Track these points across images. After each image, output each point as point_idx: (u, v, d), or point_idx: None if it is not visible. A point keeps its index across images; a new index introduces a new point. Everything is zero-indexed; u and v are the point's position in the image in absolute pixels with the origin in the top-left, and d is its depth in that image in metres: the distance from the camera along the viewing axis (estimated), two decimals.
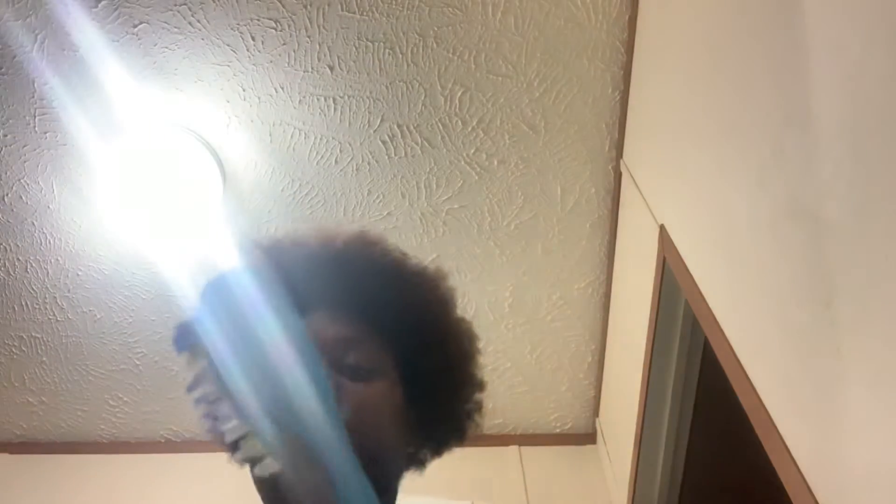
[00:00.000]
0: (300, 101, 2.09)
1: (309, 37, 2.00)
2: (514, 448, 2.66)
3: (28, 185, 2.22)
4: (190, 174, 2.11)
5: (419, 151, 2.18)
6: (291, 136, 2.14)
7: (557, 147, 2.18)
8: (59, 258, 2.35)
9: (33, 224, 2.29)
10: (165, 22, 1.97)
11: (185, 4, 1.95)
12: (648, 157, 1.96)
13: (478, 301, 2.42)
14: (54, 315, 2.46)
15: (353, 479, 0.56)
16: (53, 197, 2.24)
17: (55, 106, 2.09)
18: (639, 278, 2.00)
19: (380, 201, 2.25)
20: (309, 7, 1.96)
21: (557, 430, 2.70)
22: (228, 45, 2.01)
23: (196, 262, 2.19)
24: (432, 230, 2.30)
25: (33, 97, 2.08)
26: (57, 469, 2.62)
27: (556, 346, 2.52)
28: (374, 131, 2.14)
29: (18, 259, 2.35)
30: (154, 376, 2.57)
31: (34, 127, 2.13)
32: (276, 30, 1.99)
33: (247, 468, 0.59)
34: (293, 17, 1.97)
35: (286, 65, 2.04)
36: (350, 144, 2.16)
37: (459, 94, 2.09)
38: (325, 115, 2.11)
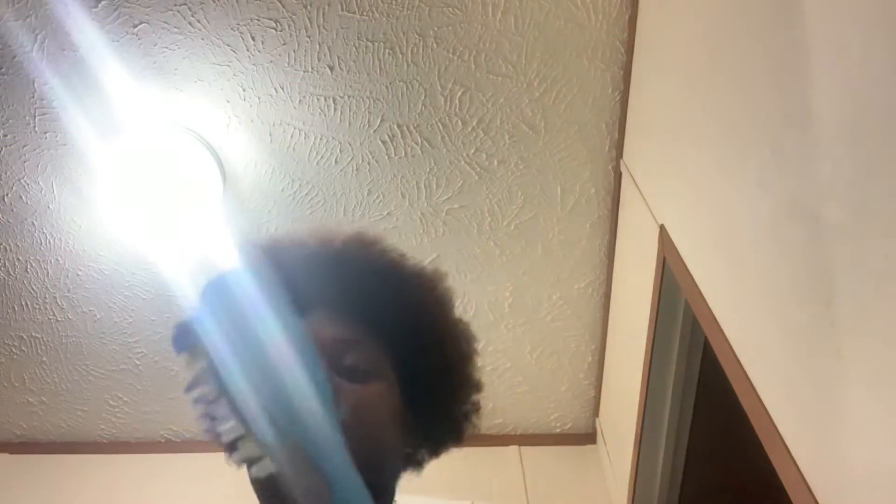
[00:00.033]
0: (300, 101, 2.09)
1: (309, 37, 2.00)
2: (514, 448, 2.66)
3: (28, 185, 2.22)
4: (190, 174, 2.11)
5: (419, 151, 2.18)
6: (291, 136, 2.14)
7: (557, 147, 2.18)
8: (59, 258, 2.35)
9: (33, 224, 2.29)
10: (165, 22, 1.97)
11: (185, 4, 1.95)
12: (648, 157, 1.96)
13: (478, 301, 2.42)
14: (54, 315, 2.46)
15: (350, 480, 0.56)
16: (53, 197, 2.24)
17: (55, 106, 2.09)
18: (639, 278, 2.00)
19: (380, 201, 2.25)
20: (309, 7, 1.96)
21: (557, 430, 2.70)
22: (228, 45, 2.01)
23: (196, 262, 2.18)
24: (432, 230, 2.30)
25: (33, 97, 2.08)
26: (57, 469, 2.62)
27: (556, 346, 2.52)
28: (374, 131, 2.14)
29: (18, 259, 2.35)
30: (154, 376, 2.57)
31: (34, 127, 2.13)
32: (276, 30, 1.99)
33: (243, 469, 0.59)
34: (293, 17, 1.97)
35: (286, 65, 2.04)
36: (350, 144, 2.16)
37: (459, 94, 2.09)
38: (325, 115, 2.11)
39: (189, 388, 0.58)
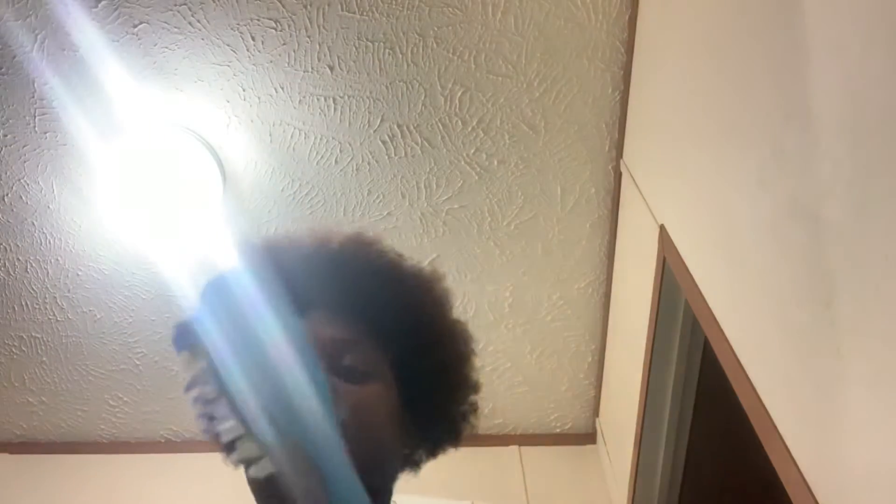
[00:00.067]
0: (300, 101, 2.09)
1: (309, 37, 2.00)
2: (514, 448, 2.66)
3: (28, 185, 2.22)
4: (190, 174, 2.11)
5: (419, 151, 2.18)
6: (291, 136, 2.14)
7: (557, 147, 2.18)
8: (59, 258, 2.35)
9: (33, 224, 2.29)
10: (165, 22, 1.97)
11: (185, 4, 1.95)
12: (648, 157, 1.96)
13: (478, 301, 2.42)
14: (54, 315, 2.46)
15: (348, 480, 0.56)
16: (53, 197, 2.24)
17: (55, 106, 2.09)
18: (639, 278, 2.00)
19: (380, 201, 2.25)
20: (309, 7, 1.96)
21: (557, 430, 2.70)
22: (228, 45, 2.01)
23: (196, 262, 2.18)
24: (432, 230, 2.30)
25: (33, 97, 2.08)
26: (57, 469, 2.62)
27: (556, 346, 2.52)
28: (374, 131, 2.14)
29: (18, 259, 2.35)
30: (154, 376, 2.57)
31: (34, 127, 2.13)
32: (276, 30, 1.99)
33: (241, 469, 0.59)
34: (293, 17, 1.97)
35: (286, 65, 2.04)
36: (350, 144, 2.16)
37: (459, 94, 2.09)
38: (325, 115, 2.11)
39: (189, 388, 0.58)
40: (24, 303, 2.44)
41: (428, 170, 2.20)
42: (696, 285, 1.53)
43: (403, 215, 2.27)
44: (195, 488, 2.45)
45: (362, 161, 2.19)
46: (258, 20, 1.97)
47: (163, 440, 2.71)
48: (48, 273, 2.37)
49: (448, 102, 2.10)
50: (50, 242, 2.32)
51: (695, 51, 1.55)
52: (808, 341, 1.07)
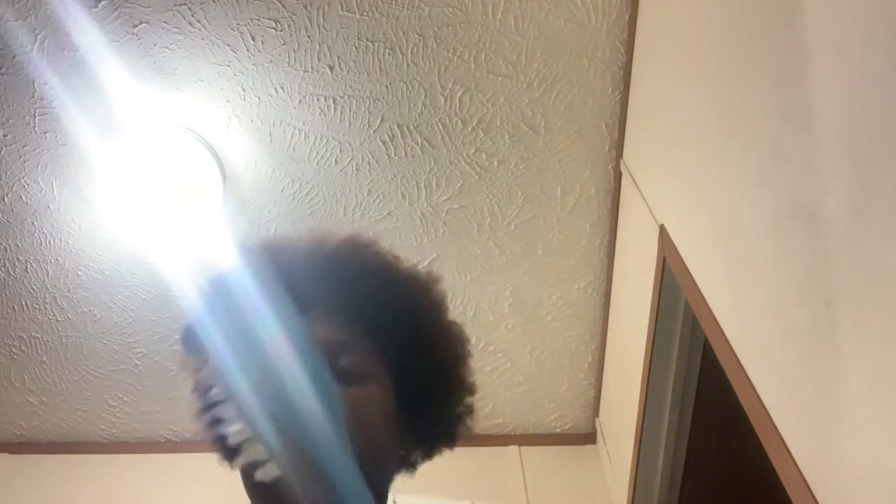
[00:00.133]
0: (300, 101, 2.09)
1: (309, 37, 2.00)
2: (514, 448, 2.66)
3: (28, 185, 2.22)
4: (190, 174, 2.11)
5: (419, 151, 2.18)
6: (291, 136, 2.14)
7: (557, 147, 2.18)
8: (59, 258, 2.35)
9: (33, 224, 2.29)
10: (165, 22, 1.97)
11: (185, 4, 1.95)
12: (648, 157, 1.96)
13: (478, 301, 2.42)
14: (54, 315, 2.46)
15: (354, 483, 0.56)
16: (53, 197, 2.24)
17: (55, 106, 2.09)
18: (639, 278, 2.00)
19: (380, 201, 2.25)
20: (309, 7, 1.96)
21: (557, 430, 2.70)
22: (228, 45, 2.01)
23: (196, 262, 2.18)
24: (432, 230, 2.30)
25: (33, 97, 2.08)
26: (57, 469, 2.62)
27: (556, 346, 2.52)
28: (374, 131, 2.14)
29: (18, 259, 2.35)
30: (154, 376, 2.57)
31: (34, 127, 2.13)
32: (276, 30, 1.99)
33: (238, 471, 0.59)
34: (293, 17, 1.97)
35: (286, 65, 2.04)
36: (350, 144, 2.16)
37: (459, 94, 2.09)
38: (325, 115, 2.11)
39: (195, 390, 0.57)
40: (24, 303, 2.44)
41: (428, 170, 2.21)
42: (696, 285, 1.53)
43: (403, 215, 2.27)
44: (195, 488, 2.45)
45: (362, 161, 2.19)
46: (258, 20, 1.97)
47: (163, 440, 2.71)
48: (48, 273, 2.37)
49: (448, 102, 2.10)
50: (50, 242, 2.32)
51: (695, 51, 1.55)
52: (808, 341, 1.07)
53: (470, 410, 0.82)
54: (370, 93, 2.08)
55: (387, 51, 2.02)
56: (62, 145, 2.16)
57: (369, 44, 2.01)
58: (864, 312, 0.93)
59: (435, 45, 2.01)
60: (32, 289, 2.41)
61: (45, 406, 2.64)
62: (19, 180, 2.21)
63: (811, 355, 1.07)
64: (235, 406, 0.55)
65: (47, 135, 2.14)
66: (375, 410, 0.70)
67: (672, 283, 1.75)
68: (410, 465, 0.79)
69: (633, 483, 2.13)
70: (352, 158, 2.18)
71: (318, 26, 1.98)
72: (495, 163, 2.20)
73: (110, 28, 1.97)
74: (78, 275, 2.38)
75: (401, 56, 2.03)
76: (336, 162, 2.19)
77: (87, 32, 1.97)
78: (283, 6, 1.95)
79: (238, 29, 1.98)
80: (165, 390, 2.59)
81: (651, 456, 2.05)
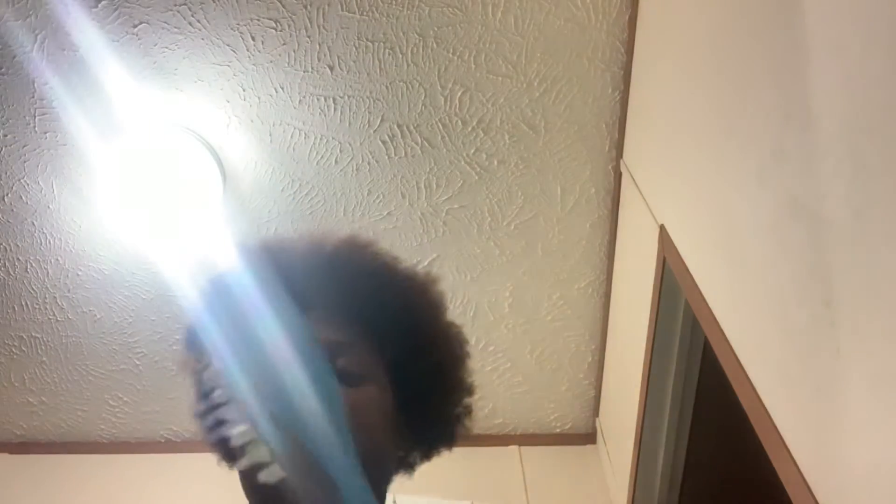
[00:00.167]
0: (300, 101, 2.09)
1: (309, 37, 2.00)
2: (514, 448, 2.66)
3: (28, 185, 2.22)
4: (190, 174, 2.11)
5: (419, 151, 2.18)
6: (291, 136, 2.14)
7: (557, 147, 2.18)
8: (59, 258, 2.35)
9: (33, 224, 2.29)
10: (165, 22, 1.97)
11: (185, 4, 1.95)
12: (648, 157, 1.96)
13: (478, 301, 2.42)
14: (54, 315, 2.46)
15: (357, 486, 0.56)
16: (53, 197, 2.24)
17: (55, 106, 2.09)
18: (639, 278, 2.00)
19: (380, 201, 2.25)
20: (309, 7, 1.96)
21: (557, 430, 2.70)
22: (228, 45, 2.01)
23: (196, 262, 2.18)
24: (432, 230, 2.30)
25: (33, 97, 2.08)
26: (57, 469, 2.62)
27: (556, 346, 2.52)
28: (374, 131, 2.14)
29: (18, 259, 2.35)
30: (154, 376, 2.57)
31: (34, 127, 2.13)
32: (276, 30, 1.99)
33: (238, 472, 0.58)
34: (293, 17, 1.97)
35: (286, 65, 2.04)
36: (350, 144, 2.16)
37: (459, 94, 2.09)
38: (325, 115, 2.11)
39: (197, 392, 0.57)
40: (24, 303, 2.44)
41: (428, 170, 2.20)
42: (696, 285, 1.53)
43: (403, 215, 2.27)
44: (195, 488, 2.45)
45: (362, 161, 2.19)
46: (258, 20, 1.97)
47: (163, 440, 2.71)
48: (48, 273, 2.37)
49: (448, 102, 2.10)
50: (50, 242, 2.32)
51: (695, 51, 1.55)
52: (808, 341, 1.07)
53: (468, 411, 0.82)
54: (370, 93, 2.08)
55: (387, 51, 2.02)
56: (62, 145, 2.16)
57: (369, 44, 2.01)
58: (864, 312, 0.93)
59: (435, 45, 2.01)
60: (32, 289, 2.41)
61: (45, 406, 2.64)
62: (19, 180, 2.21)
63: (811, 355, 1.07)
64: (239, 407, 0.55)
65: (47, 135, 2.14)
66: (374, 411, 0.70)
67: (672, 283, 1.75)
68: (409, 466, 0.79)
69: (633, 483, 2.13)
70: (352, 158, 2.18)
71: (318, 26, 1.98)
72: (495, 163, 2.20)
73: (110, 28, 1.97)
74: (78, 275, 2.38)
75: (401, 56, 2.03)
76: (336, 162, 2.19)
77: (87, 32, 1.97)
78: (283, 6, 1.95)
79: (238, 29, 1.98)
80: (165, 390, 2.59)
81: (651, 456, 2.05)
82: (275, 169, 2.19)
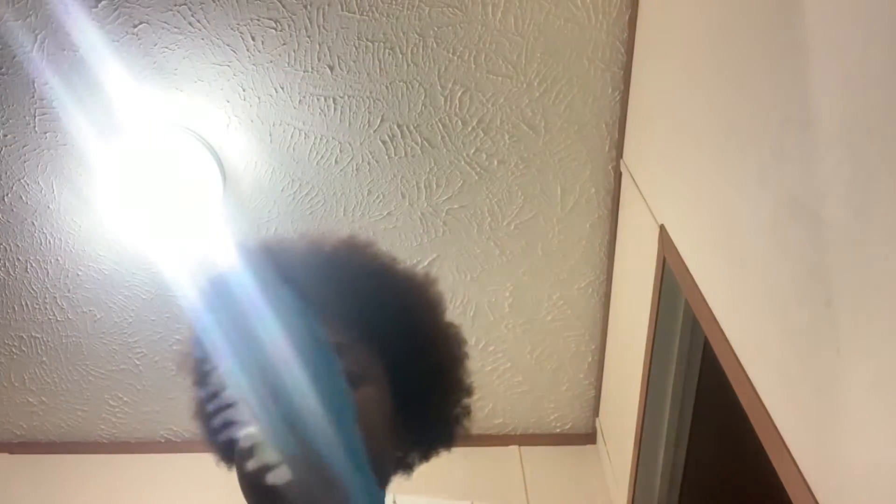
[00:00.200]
0: (300, 101, 2.09)
1: (309, 37, 2.00)
2: (514, 448, 2.66)
3: (28, 185, 2.22)
4: (190, 174, 2.11)
5: (419, 151, 2.18)
6: (291, 136, 2.14)
7: (557, 147, 2.18)
8: (59, 258, 2.35)
9: (33, 224, 2.29)
10: (165, 22, 1.97)
11: (185, 4, 1.95)
12: (648, 157, 1.96)
13: (478, 301, 2.42)
14: (54, 315, 2.46)
15: (365, 485, 0.55)
16: (53, 197, 2.24)
17: (55, 106, 2.09)
18: (639, 278, 2.00)
19: (380, 201, 2.25)
20: (309, 7, 1.96)
21: (557, 430, 2.70)
22: (228, 45, 2.01)
23: (196, 262, 2.18)
24: (432, 230, 2.30)
25: (33, 97, 2.08)
26: (57, 469, 2.62)
27: (556, 346, 2.52)
28: (374, 131, 2.14)
29: (18, 259, 2.35)
30: (154, 376, 2.57)
31: (34, 127, 2.13)
32: (276, 30, 1.99)
33: (237, 474, 0.58)
34: (293, 17, 1.97)
35: (286, 65, 2.04)
36: (350, 144, 2.16)
37: (459, 94, 2.09)
38: (325, 115, 2.11)
39: (206, 393, 0.57)
40: (24, 303, 2.44)
41: (428, 170, 2.20)
42: (696, 285, 1.53)
43: (403, 215, 2.27)
44: (195, 488, 2.45)
45: (362, 161, 2.19)
46: (258, 20, 1.97)
47: (163, 440, 2.71)
48: (48, 273, 2.37)
49: (448, 102, 2.10)
50: (50, 242, 2.32)
51: (695, 51, 1.55)
52: (808, 341, 1.07)
53: (467, 412, 0.82)
54: (370, 93, 2.08)
55: (387, 51, 2.02)
56: (62, 145, 2.16)
57: (369, 44, 2.01)
58: (864, 312, 0.93)
59: (435, 45, 2.01)
60: (32, 289, 2.41)
61: (45, 406, 2.64)
62: (19, 180, 2.21)
63: (811, 355, 1.07)
64: (247, 409, 0.55)
65: (47, 135, 2.14)
66: (372, 412, 0.70)
67: (672, 283, 1.75)
68: (407, 467, 0.79)
69: (633, 483, 2.13)
70: (352, 158, 2.18)
71: (318, 26, 1.98)
72: (495, 163, 2.20)
73: (110, 28, 1.97)
74: (78, 275, 2.38)
75: (401, 56, 2.03)
76: (336, 162, 2.19)
77: (87, 32, 1.97)
78: (283, 6, 1.95)
79: (238, 29, 1.98)
80: (165, 390, 2.59)
81: (651, 456, 2.05)
82: (275, 169, 2.19)
